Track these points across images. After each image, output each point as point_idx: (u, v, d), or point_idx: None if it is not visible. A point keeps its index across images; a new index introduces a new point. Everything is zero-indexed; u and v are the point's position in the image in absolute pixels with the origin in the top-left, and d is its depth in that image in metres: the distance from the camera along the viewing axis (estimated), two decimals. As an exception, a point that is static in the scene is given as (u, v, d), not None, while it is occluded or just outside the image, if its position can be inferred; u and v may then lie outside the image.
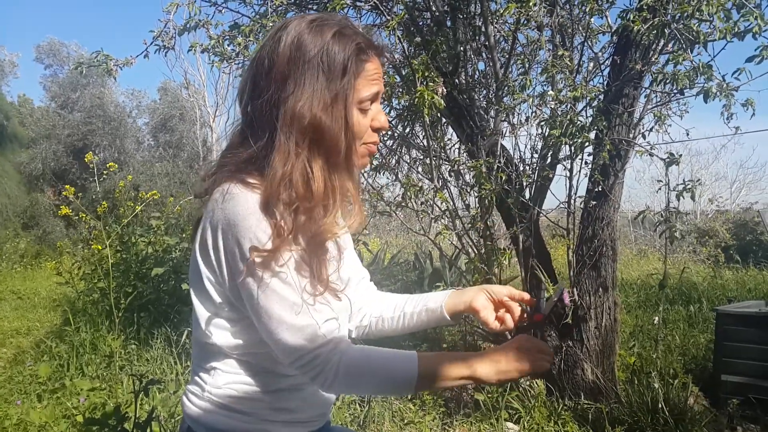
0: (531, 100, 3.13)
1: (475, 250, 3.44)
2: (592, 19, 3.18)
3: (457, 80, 3.46)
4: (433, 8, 3.45)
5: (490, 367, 0.98)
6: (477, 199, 3.39)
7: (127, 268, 5.15)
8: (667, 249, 5.10)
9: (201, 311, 0.99)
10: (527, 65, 3.59)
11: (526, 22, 3.33)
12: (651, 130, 3.25)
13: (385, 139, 3.74)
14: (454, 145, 3.86)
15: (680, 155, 2.75)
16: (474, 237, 3.47)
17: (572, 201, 3.25)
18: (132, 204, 5.27)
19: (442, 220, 3.41)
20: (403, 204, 3.41)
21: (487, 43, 3.43)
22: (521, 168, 3.44)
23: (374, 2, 3.04)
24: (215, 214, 0.93)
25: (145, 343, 4.47)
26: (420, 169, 3.76)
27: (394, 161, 3.82)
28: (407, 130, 3.88)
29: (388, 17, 2.91)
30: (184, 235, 5.40)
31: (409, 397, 3.43)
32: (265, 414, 1.00)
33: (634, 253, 11.29)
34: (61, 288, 6.39)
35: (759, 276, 7.90)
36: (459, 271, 4.43)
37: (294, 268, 0.92)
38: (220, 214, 0.92)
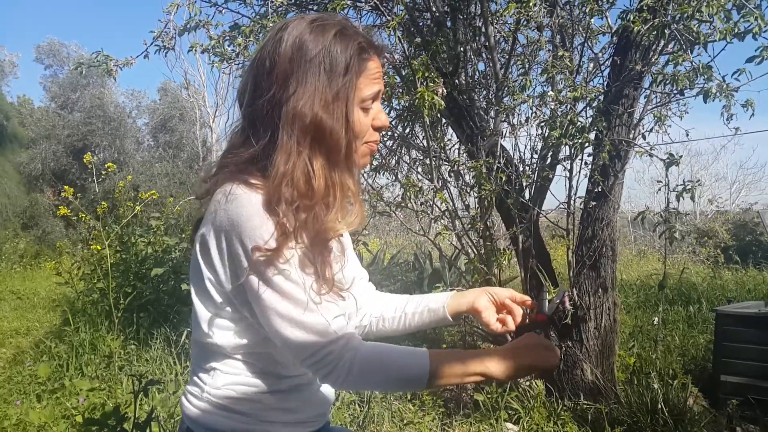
0: (531, 100, 3.13)
1: (474, 250, 3.44)
2: (593, 20, 3.18)
3: (457, 81, 3.46)
4: (433, 9, 3.45)
5: (500, 363, 0.99)
6: (477, 200, 3.39)
7: (126, 268, 5.14)
8: (667, 249, 5.10)
9: (202, 312, 0.99)
10: (527, 66, 3.60)
11: (526, 22, 3.33)
12: (651, 130, 3.25)
13: (385, 139, 3.74)
14: (453, 145, 3.86)
15: (680, 156, 2.76)
16: (474, 237, 3.47)
17: (572, 201, 3.25)
18: (131, 204, 5.27)
19: (442, 221, 3.41)
20: (402, 204, 3.41)
21: (487, 44, 3.43)
22: (521, 168, 3.44)
23: (374, 2, 3.04)
24: (218, 215, 0.93)
25: (144, 344, 4.46)
26: (420, 169, 3.76)
27: (393, 161, 3.82)
28: (407, 130, 3.89)
29: (389, 18, 2.91)
30: (183, 236, 5.40)
31: (409, 397, 3.43)
32: (264, 415, 1.00)
33: (634, 254, 11.29)
34: (61, 288, 6.39)
35: (758, 276, 7.90)
36: (458, 271, 4.43)
37: (299, 266, 0.92)
38: (223, 215, 0.92)
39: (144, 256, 5.28)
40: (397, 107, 3.65)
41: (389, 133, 3.71)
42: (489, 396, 3.24)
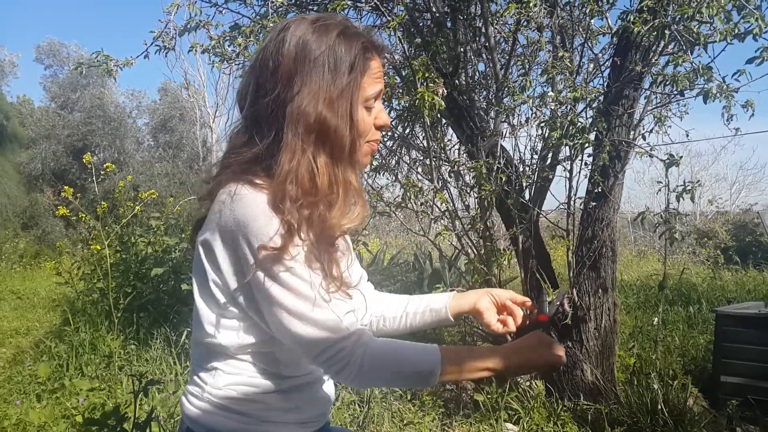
0: (531, 101, 3.13)
1: (474, 250, 3.44)
2: (593, 21, 3.19)
3: (457, 81, 3.46)
4: (434, 9, 3.46)
5: (510, 359, 1.01)
6: (477, 200, 3.39)
7: (126, 268, 5.14)
8: (667, 250, 5.11)
9: (205, 312, 0.99)
10: (527, 66, 3.60)
11: (526, 23, 3.34)
12: (651, 131, 3.26)
13: (385, 139, 3.74)
14: (454, 146, 3.86)
15: (680, 156, 2.76)
16: (474, 238, 3.47)
17: (572, 202, 3.25)
18: (131, 204, 5.27)
19: (442, 221, 3.41)
20: (402, 205, 3.41)
21: (487, 44, 3.43)
22: (521, 169, 3.44)
23: (375, 3, 3.04)
24: (223, 216, 0.93)
25: (144, 344, 4.46)
26: (420, 169, 3.77)
27: (393, 162, 3.82)
28: (407, 130, 3.89)
29: (389, 18, 2.92)
30: (183, 236, 5.39)
31: (409, 397, 3.44)
32: (265, 415, 1.00)
33: (634, 254, 11.29)
34: (61, 288, 6.39)
35: (758, 277, 7.89)
36: (458, 271, 4.43)
37: (305, 264, 0.92)
38: (228, 216, 0.92)
39: (144, 256, 5.28)
40: (398, 107, 3.65)
41: (389, 134, 3.71)
42: (489, 396, 3.24)
